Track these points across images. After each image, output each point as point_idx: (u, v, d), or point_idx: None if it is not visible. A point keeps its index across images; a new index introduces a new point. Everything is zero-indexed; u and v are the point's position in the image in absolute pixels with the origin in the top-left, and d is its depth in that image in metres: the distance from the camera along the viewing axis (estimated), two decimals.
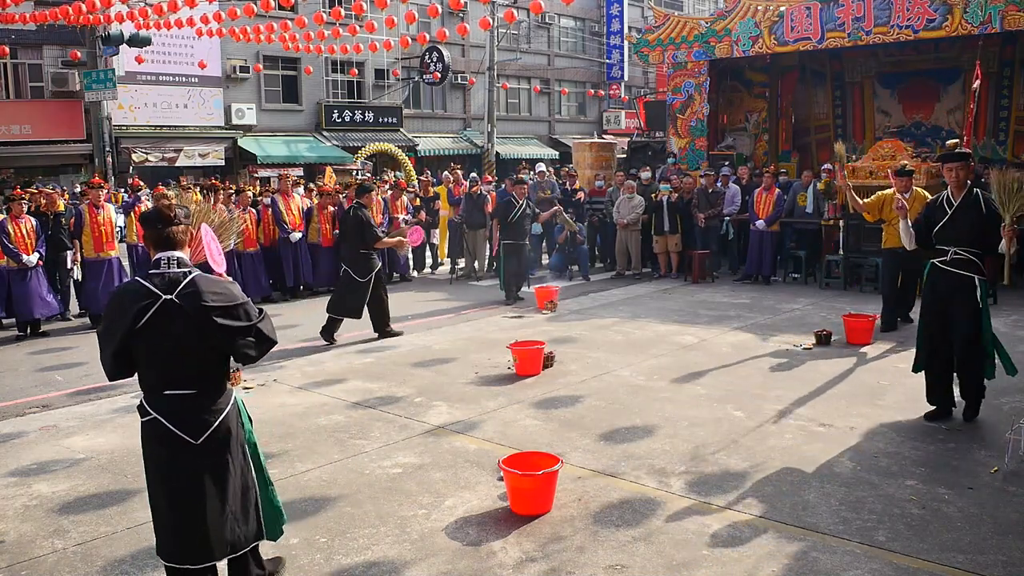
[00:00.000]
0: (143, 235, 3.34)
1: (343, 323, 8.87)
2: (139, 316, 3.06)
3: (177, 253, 3.21)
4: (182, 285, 3.11)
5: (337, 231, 11.11)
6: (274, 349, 3.40)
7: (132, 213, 10.66)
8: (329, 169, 19.52)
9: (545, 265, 13.92)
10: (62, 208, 10.53)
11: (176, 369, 3.14)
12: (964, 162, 5.63)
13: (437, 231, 14.64)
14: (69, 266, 10.24)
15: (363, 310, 8.74)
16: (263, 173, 24.28)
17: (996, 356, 5.56)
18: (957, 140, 5.48)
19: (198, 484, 3.15)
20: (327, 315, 8.79)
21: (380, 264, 8.98)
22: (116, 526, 4.23)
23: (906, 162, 9.63)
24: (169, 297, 3.09)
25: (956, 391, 5.75)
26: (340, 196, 12.60)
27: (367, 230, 8.66)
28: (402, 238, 9.65)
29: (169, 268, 3.15)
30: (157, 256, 3.20)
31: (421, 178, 18.23)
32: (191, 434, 3.12)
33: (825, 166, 13.58)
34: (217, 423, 3.19)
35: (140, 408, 3.19)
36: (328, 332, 8.78)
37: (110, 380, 3.24)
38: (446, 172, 15.82)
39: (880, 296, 9.16)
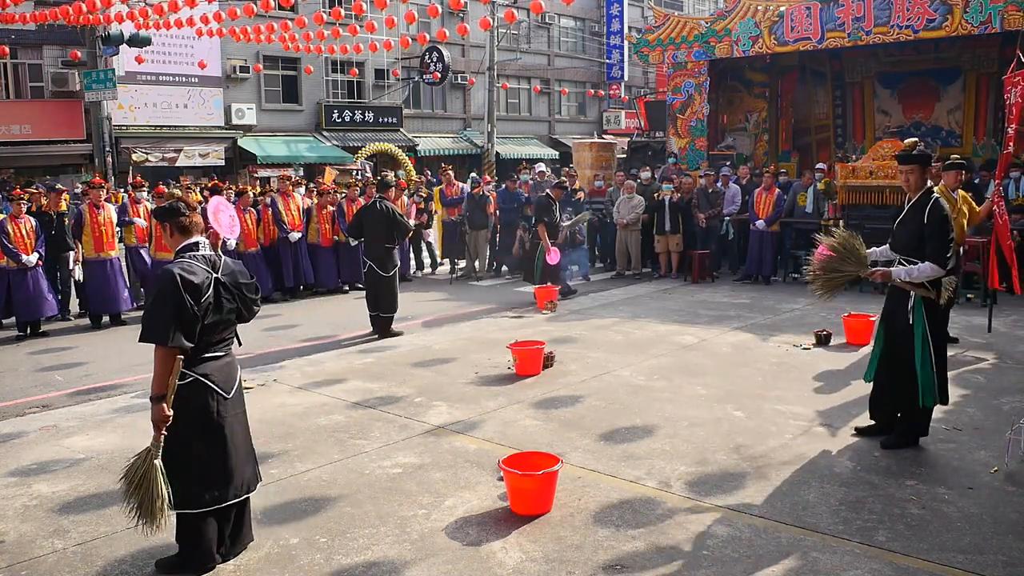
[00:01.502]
0: (168, 226, 3.65)
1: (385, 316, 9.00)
2: (205, 291, 3.49)
3: (203, 239, 3.68)
4: (221, 266, 3.64)
5: (346, 229, 11.08)
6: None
7: (129, 213, 10.61)
8: (329, 169, 19.51)
9: None
10: (64, 208, 10.48)
11: (214, 335, 3.61)
12: (918, 166, 4.99)
13: (432, 231, 14.63)
14: (71, 266, 10.23)
15: (397, 300, 8.99)
16: (263, 173, 24.26)
17: (921, 381, 4.96)
18: (916, 139, 4.99)
19: (235, 430, 3.67)
20: (377, 315, 8.94)
21: (400, 261, 9.11)
22: (116, 526, 4.22)
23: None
24: (217, 275, 3.59)
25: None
26: (339, 196, 12.60)
27: (400, 221, 8.90)
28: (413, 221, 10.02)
29: (206, 251, 3.63)
30: (192, 241, 3.63)
31: (418, 177, 18.22)
32: (225, 389, 3.64)
33: (820, 165, 13.59)
34: (238, 379, 3.76)
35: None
36: (383, 330, 8.91)
37: (188, 342, 3.44)
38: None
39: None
